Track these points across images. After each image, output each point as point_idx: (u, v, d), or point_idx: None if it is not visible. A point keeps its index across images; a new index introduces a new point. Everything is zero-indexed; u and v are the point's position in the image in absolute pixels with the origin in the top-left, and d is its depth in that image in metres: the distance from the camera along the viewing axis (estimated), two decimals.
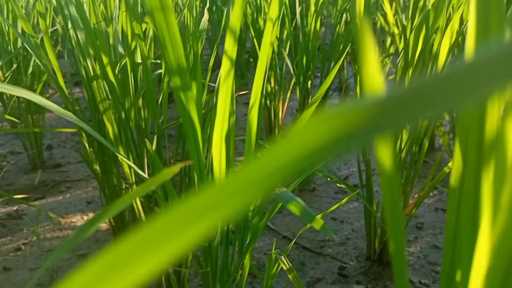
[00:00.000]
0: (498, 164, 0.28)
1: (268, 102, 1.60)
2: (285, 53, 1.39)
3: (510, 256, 0.18)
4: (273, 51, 1.50)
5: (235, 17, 0.49)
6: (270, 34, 0.54)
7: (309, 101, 1.46)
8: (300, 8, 1.39)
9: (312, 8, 1.31)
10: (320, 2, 1.28)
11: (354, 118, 0.08)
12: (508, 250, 0.18)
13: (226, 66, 0.50)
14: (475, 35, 0.31)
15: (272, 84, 1.56)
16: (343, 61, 2.14)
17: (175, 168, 0.25)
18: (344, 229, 1.17)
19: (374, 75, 0.19)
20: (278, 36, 1.45)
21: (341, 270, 1.02)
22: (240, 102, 2.14)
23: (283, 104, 1.64)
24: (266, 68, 0.54)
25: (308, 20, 1.37)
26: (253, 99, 0.58)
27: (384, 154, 0.20)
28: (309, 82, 1.37)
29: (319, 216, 0.73)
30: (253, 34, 1.45)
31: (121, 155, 0.58)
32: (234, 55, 0.51)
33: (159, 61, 1.07)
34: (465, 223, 0.34)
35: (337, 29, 1.43)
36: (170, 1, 0.36)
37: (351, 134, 0.08)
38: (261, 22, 1.45)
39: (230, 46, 0.50)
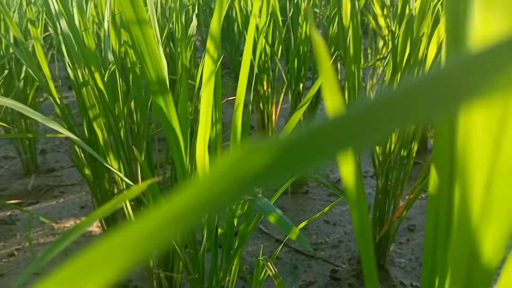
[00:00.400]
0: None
1: (261, 105, 1.60)
2: (277, 57, 1.39)
3: (468, 265, 0.19)
4: (266, 54, 1.50)
5: (215, 24, 0.50)
6: (253, 30, 0.54)
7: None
8: (291, 11, 1.39)
9: (303, 12, 1.31)
10: (310, 5, 1.29)
11: (258, 160, 0.09)
12: (465, 260, 0.18)
13: (207, 72, 0.51)
14: (447, 44, 0.31)
15: (265, 87, 1.57)
16: (337, 63, 2.14)
17: (143, 185, 0.26)
18: (336, 231, 1.17)
19: (333, 96, 0.20)
20: (269, 39, 1.45)
21: (333, 273, 1.02)
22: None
23: (276, 107, 1.64)
24: (252, 66, 0.54)
25: (299, 23, 1.37)
26: (237, 104, 0.58)
27: (348, 177, 0.21)
28: (301, 85, 1.38)
29: (312, 218, 0.73)
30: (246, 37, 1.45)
31: (109, 165, 0.58)
32: (215, 59, 0.51)
33: None
34: (441, 231, 0.34)
35: (330, 31, 1.43)
36: (145, 13, 0.36)
37: (254, 177, 0.08)
38: None
39: (211, 52, 0.50)
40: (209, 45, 0.50)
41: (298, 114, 0.65)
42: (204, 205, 0.08)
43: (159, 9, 1.06)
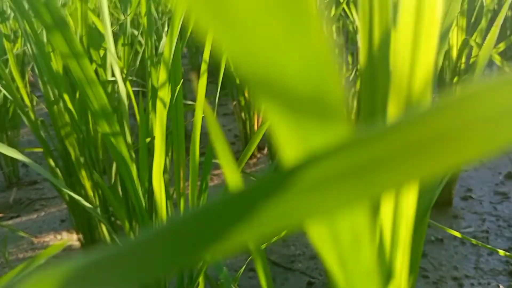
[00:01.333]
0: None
1: (243, 114, 1.61)
2: None
3: None
4: None
5: (167, 50, 0.50)
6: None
7: None
8: None
9: None
10: None
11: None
12: None
13: (162, 95, 0.51)
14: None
15: (247, 96, 1.57)
16: None
17: (64, 242, 0.26)
18: None
19: (231, 172, 0.20)
20: None
21: (309, 286, 1.03)
22: (220, 113, 2.14)
23: (258, 115, 1.65)
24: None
25: None
26: (195, 125, 0.58)
27: None
28: None
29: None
30: None
31: (71, 193, 0.59)
32: (168, 87, 0.52)
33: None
34: None
35: None
36: (79, 46, 0.36)
37: None
38: None
39: (163, 79, 0.50)
40: (162, 73, 0.50)
41: (261, 131, 0.66)
42: None
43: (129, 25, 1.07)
